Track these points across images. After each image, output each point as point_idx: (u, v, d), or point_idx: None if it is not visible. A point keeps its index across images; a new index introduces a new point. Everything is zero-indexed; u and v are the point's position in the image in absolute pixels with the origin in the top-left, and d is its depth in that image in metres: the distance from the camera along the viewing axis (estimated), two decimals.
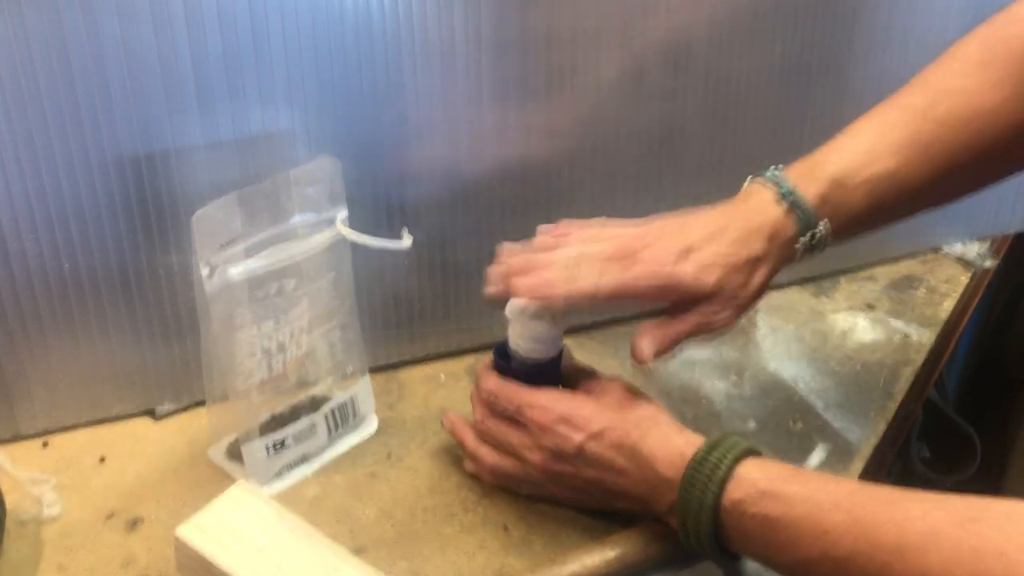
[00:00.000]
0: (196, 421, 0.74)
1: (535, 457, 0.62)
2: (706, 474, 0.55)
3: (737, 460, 0.55)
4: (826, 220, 0.62)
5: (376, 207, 0.74)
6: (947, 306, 0.91)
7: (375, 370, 0.79)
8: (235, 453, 0.69)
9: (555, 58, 0.74)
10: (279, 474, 0.68)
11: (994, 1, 0.66)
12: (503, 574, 0.61)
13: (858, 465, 0.72)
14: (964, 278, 0.95)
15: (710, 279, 0.60)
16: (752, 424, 0.75)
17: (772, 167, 0.64)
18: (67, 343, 0.70)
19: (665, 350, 0.62)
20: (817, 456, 0.72)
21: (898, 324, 0.88)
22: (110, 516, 0.66)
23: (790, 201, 0.61)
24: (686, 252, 0.60)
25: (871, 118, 0.64)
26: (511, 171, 0.77)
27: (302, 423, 0.68)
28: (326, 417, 0.70)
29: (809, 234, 0.62)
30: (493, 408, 0.65)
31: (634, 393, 0.64)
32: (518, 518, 0.65)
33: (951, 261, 0.98)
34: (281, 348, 0.66)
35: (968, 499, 0.46)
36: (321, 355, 0.70)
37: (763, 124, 0.84)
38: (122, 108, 0.63)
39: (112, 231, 0.67)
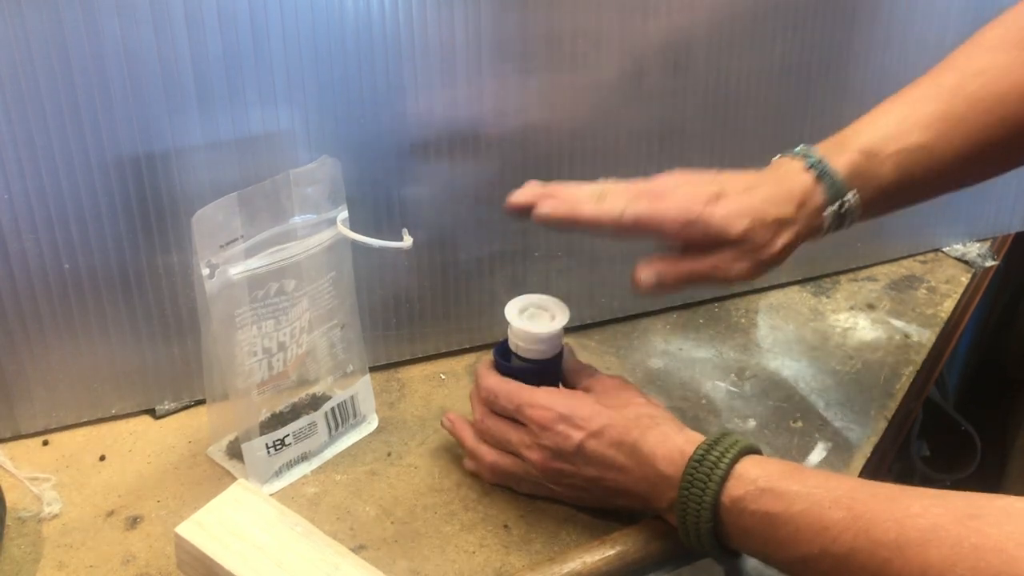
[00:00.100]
0: (196, 420, 0.74)
1: (535, 456, 0.62)
2: (706, 471, 0.55)
3: (737, 458, 0.55)
4: (855, 191, 0.61)
5: (376, 207, 0.74)
6: (947, 306, 0.91)
7: (375, 369, 0.79)
8: (235, 451, 0.69)
9: (555, 59, 0.74)
10: (279, 472, 0.68)
11: (994, 1, 0.66)
12: (503, 572, 0.61)
13: (858, 463, 0.72)
14: (964, 278, 0.95)
15: (739, 225, 0.59)
16: (753, 423, 0.75)
17: (801, 146, 0.64)
18: (67, 343, 0.70)
19: (668, 285, 0.61)
20: (817, 455, 0.72)
21: (898, 324, 0.88)
22: (110, 514, 0.66)
23: (819, 170, 0.61)
24: (717, 197, 0.60)
25: (900, 96, 0.64)
26: (511, 171, 0.77)
27: (302, 421, 0.68)
28: (326, 416, 0.70)
29: (838, 203, 0.61)
30: (493, 407, 0.65)
31: (634, 392, 0.64)
32: (518, 516, 0.66)
33: (951, 261, 0.98)
34: (281, 347, 0.66)
35: (968, 496, 0.46)
36: (321, 354, 0.70)
37: (763, 124, 0.84)
38: (122, 108, 0.63)
39: (112, 231, 0.67)
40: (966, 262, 0.97)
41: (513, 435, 0.64)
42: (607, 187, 0.61)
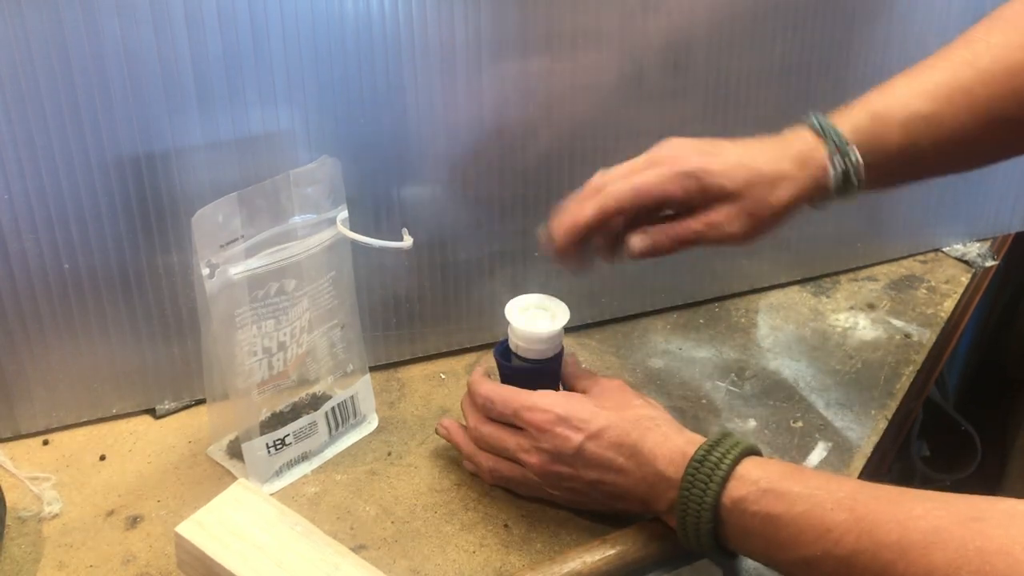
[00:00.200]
0: (196, 419, 0.74)
1: (533, 460, 0.62)
2: (707, 472, 0.55)
3: (738, 459, 0.55)
4: (856, 148, 0.61)
5: (376, 207, 0.74)
6: (947, 306, 0.91)
7: (375, 368, 0.79)
8: (235, 451, 0.69)
9: (555, 59, 0.74)
10: (279, 472, 0.68)
11: (995, 2, 0.66)
12: (504, 572, 0.61)
13: (859, 463, 0.72)
14: (964, 278, 0.95)
15: (736, 175, 0.60)
16: (753, 423, 0.75)
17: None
18: (67, 343, 0.70)
19: (661, 249, 0.61)
20: (818, 455, 0.72)
21: (899, 324, 0.88)
22: (110, 513, 0.66)
23: (822, 128, 0.61)
24: (714, 153, 0.61)
25: (911, 69, 0.64)
26: (511, 171, 0.77)
27: (302, 421, 0.68)
28: (326, 415, 0.70)
29: (841, 159, 0.61)
30: (489, 413, 0.64)
31: (633, 394, 0.64)
32: (519, 516, 0.66)
33: (951, 261, 0.98)
34: (281, 347, 0.66)
35: (970, 498, 0.46)
36: (322, 354, 0.70)
37: (763, 124, 0.84)
38: (122, 108, 0.63)
39: (112, 231, 0.67)
40: (966, 262, 0.97)
41: (510, 441, 0.63)
42: (605, 176, 0.62)
